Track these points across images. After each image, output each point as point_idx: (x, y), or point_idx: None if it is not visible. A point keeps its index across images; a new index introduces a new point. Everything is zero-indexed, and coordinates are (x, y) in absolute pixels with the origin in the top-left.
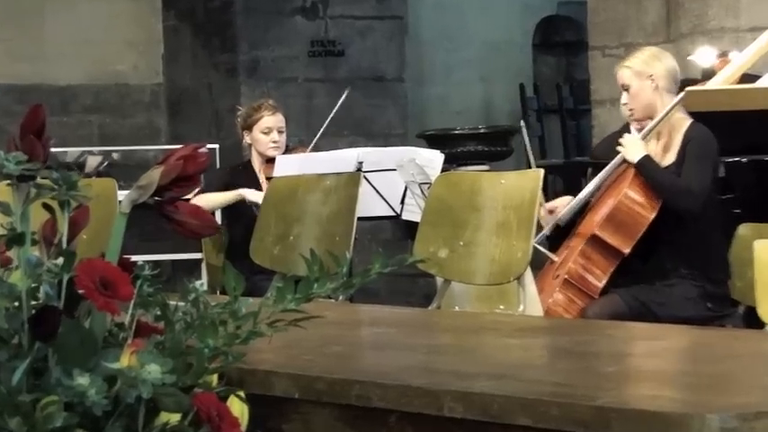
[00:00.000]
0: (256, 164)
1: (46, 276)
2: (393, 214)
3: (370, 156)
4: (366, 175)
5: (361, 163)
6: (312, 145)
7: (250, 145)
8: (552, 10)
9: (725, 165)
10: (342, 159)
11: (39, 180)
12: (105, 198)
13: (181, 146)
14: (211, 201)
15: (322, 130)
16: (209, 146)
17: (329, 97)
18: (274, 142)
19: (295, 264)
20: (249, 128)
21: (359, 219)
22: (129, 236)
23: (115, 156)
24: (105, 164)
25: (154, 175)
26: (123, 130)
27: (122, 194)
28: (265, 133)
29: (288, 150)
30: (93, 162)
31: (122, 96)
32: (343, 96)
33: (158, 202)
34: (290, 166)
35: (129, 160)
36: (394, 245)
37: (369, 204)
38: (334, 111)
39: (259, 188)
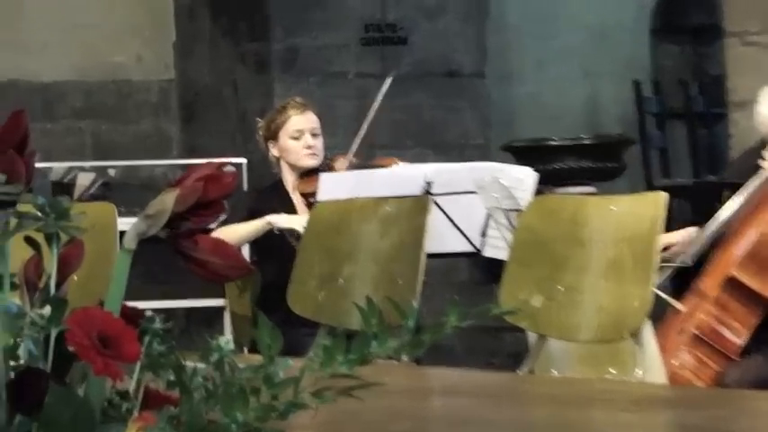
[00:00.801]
0: (288, 181)
1: (29, 330)
2: (472, 250)
3: (442, 174)
4: (437, 199)
5: (429, 183)
6: (353, 151)
7: (278, 159)
8: None
9: None
10: (405, 178)
11: (20, 207)
12: (102, 228)
13: (199, 162)
14: (234, 234)
15: (363, 132)
16: (235, 160)
17: (388, 98)
18: (308, 147)
19: (346, 314)
20: (274, 136)
21: (428, 256)
22: (134, 277)
23: (113, 173)
24: (99, 183)
25: (167, 201)
26: (123, 140)
27: (123, 223)
28: (295, 138)
29: (327, 163)
30: (83, 181)
31: (122, 96)
32: (386, 85)
33: (172, 235)
34: (338, 186)
35: (132, 179)
36: (473, 290)
37: (440, 237)
38: (376, 106)
39: (293, 211)
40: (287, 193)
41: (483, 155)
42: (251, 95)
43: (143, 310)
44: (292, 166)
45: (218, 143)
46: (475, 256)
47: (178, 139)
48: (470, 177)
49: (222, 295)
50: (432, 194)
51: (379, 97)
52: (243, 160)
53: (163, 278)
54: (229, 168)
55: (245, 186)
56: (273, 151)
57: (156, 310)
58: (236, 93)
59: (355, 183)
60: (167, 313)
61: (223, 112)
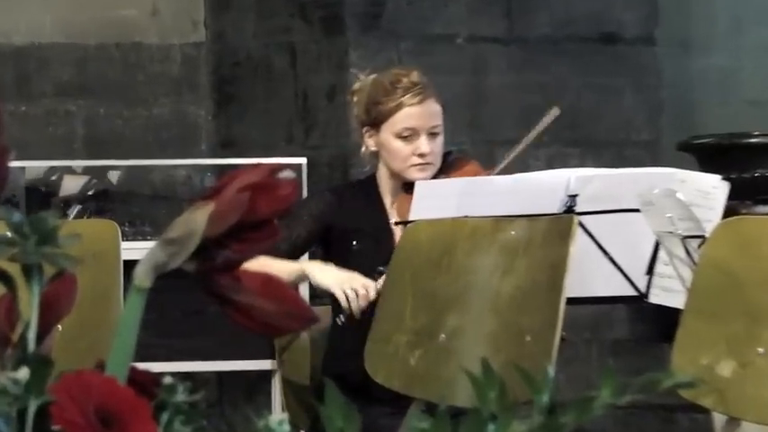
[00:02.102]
0: (385, 189)
1: None
2: (633, 294)
3: (592, 183)
4: (583, 219)
5: (573, 197)
6: (504, 165)
7: (375, 153)
8: None
9: None
10: (539, 188)
11: None
12: (100, 257)
13: (240, 162)
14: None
15: (514, 154)
16: (291, 161)
17: (514, 71)
18: (422, 156)
19: (450, 385)
20: (376, 123)
21: (568, 302)
22: (148, 327)
23: (114, 176)
24: (94, 191)
25: (196, 221)
26: (130, 130)
27: (129, 249)
28: (405, 138)
29: (445, 168)
30: (71, 186)
31: (129, 67)
32: (550, 117)
33: (204, 268)
34: (440, 199)
35: (141, 186)
36: (633, 351)
37: (587, 275)
38: (532, 137)
39: (383, 229)
40: (380, 202)
41: (651, 156)
42: (314, 67)
43: (160, 375)
44: (395, 175)
45: (267, 135)
46: (637, 303)
47: (209, 128)
48: (633, 189)
49: (271, 355)
50: (577, 212)
51: (539, 128)
52: (302, 160)
53: (188, 329)
54: (287, 174)
55: (305, 192)
56: (369, 142)
57: (178, 375)
58: (294, 64)
59: (463, 193)
60: (194, 379)
61: (274, 90)
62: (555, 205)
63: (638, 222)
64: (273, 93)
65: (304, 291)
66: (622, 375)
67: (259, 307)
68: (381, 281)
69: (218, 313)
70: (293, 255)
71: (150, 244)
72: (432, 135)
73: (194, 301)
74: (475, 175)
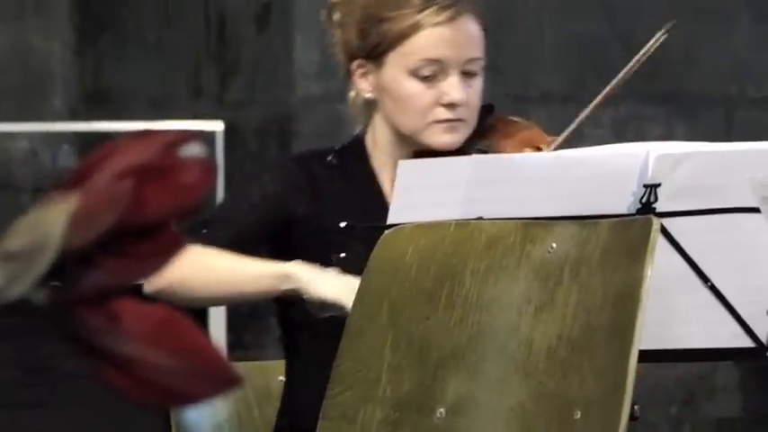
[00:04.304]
0: (382, 162)
1: None
2: (747, 344)
3: (683, 165)
4: (668, 223)
5: (653, 188)
6: (574, 127)
7: (370, 103)
8: None
9: None
10: (598, 174)
11: None
12: None
13: (121, 127)
14: (211, 272)
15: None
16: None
17: None
18: (450, 108)
19: None
20: (378, 53)
21: (643, 356)
22: None
23: None
24: None
25: (48, 224)
26: None
27: None
28: (425, 78)
29: (482, 133)
30: None
31: None
32: (658, 38)
33: (62, 298)
34: (433, 190)
35: None
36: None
37: (673, 313)
38: (631, 69)
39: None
40: (374, 182)
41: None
42: None
43: None
44: (400, 137)
45: (161, 84)
46: (754, 360)
47: (66, 72)
48: (746, 175)
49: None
50: (658, 213)
51: (647, 51)
52: (218, 125)
53: (33, 394)
54: (194, 148)
55: (221, 188)
56: (363, 85)
57: None
58: None
59: (474, 183)
60: None
61: (171, 11)
62: (623, 201)
63: (757, 229)
64: (171, 14)
65: (218, 327)
66: None
67: (149, 361)
68: None
69: (82, 371)
70: (235, 248)
71: None
72: (467, 75)
73: (43, 350)
74: (532, 144)
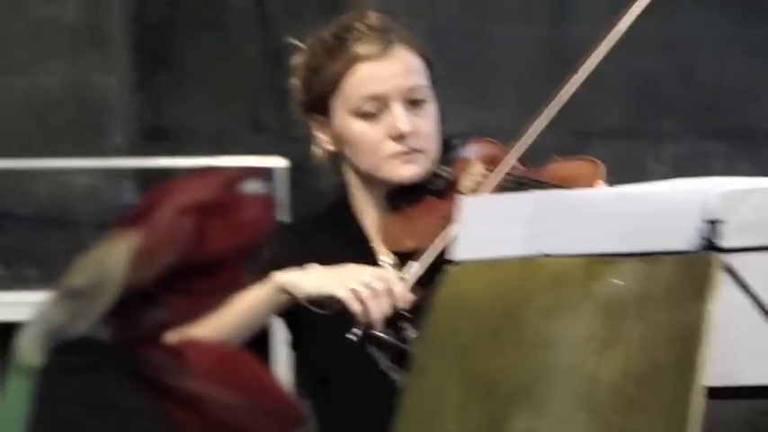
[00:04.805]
0: (364, 210)
1: None
2: None
3: (747, 201)
4: (733, 260)
5: (716, 224)
6: (523, 142)
7: (335, 156)
8: None
9: None
10: (661, 209)
11: None
12: None
13: (181, 163)
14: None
15: (563, 97)
16: (262, 161)
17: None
18: (400, 139)
19: None
20: (322, 103)
21: (710, 394)
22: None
23: None
24: None
25: (111, 261)
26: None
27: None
28: (369, 115)
29: (449, 161)
30: None
31: None
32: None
33: (125, 336)
34: (496, 226)
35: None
36: None
37: (738, 350)
38: (606, 46)
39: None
40: (359, 232)
41: None
42: (295, 8)
43: None
44: (369, 181)
45: (221, 119)
46: None
47: (126, 108)
48: None
49: None
50: (722, 249)
51: (621, 26)
52: (281, 161)
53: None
54: (255, 185)
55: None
56: (322, 138)
57: None
58: (260, 1)
59: (537, 219)
60: None
61: (230, 46)
62: (686, 237)
63: None
64: (230, 50)
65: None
66: None
67: (214, 399)
68: (413, 272)
69: (147, 407)
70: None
71: (37, 297)
72: (413, 104)
73: (107, 387)
74: (492, 159)
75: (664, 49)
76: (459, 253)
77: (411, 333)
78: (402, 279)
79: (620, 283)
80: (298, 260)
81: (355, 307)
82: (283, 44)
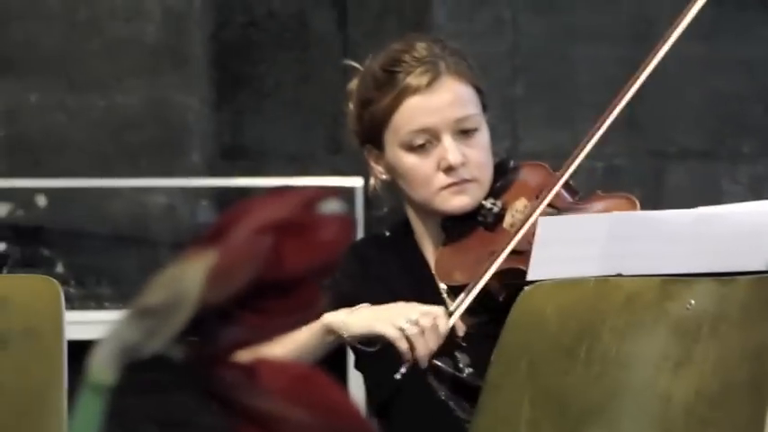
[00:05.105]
0: (424, 237)
1: None
2: None
3: None
4: None
5: None
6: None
7: (390, 184)
8: None
9: None
10: (736, 231)
11: None
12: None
13: (259, 183)
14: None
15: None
16: (340, 182)
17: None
18: (450, 171)
19: None
20: (375, 136)
21: None
22: None
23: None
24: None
25: (187, 279)
26: (75, 130)
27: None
28: (419, 148)
29: (503, 187)
30: None
31: (75, 27)
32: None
33: (200, 354)
34: (572, 246)
35: (93, 220)
36: None
37: None
38: (663, 50)
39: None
40: (420, 258)
41: None
42: (376, 29)
43: None
44: (424, 211)
45: (299, 140)
46: None
47: (204, 128)
48: None
49: None
50: None
51: (659, 52)
52: (357, 181)
53: None
54: (333, 205)
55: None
56: (377, 169)
57: None
58: (343, 22)
59: (613, 239)
60: None
61: (310, 66)
62: (762, 258)
63: None
64: (309, 70)
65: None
66: None
67: (287, 418)
68: (457, 303)
69: (219, 426)
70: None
71: (112, 315)
72: (464, 134)
73: (180, 406)
74: (542, 186)
75: (745, 71)
76: (535, 272)
77: (464, 362)
78: (449, 313)
79: (694, 302)
80: (357, 283)
81: (402, 345)
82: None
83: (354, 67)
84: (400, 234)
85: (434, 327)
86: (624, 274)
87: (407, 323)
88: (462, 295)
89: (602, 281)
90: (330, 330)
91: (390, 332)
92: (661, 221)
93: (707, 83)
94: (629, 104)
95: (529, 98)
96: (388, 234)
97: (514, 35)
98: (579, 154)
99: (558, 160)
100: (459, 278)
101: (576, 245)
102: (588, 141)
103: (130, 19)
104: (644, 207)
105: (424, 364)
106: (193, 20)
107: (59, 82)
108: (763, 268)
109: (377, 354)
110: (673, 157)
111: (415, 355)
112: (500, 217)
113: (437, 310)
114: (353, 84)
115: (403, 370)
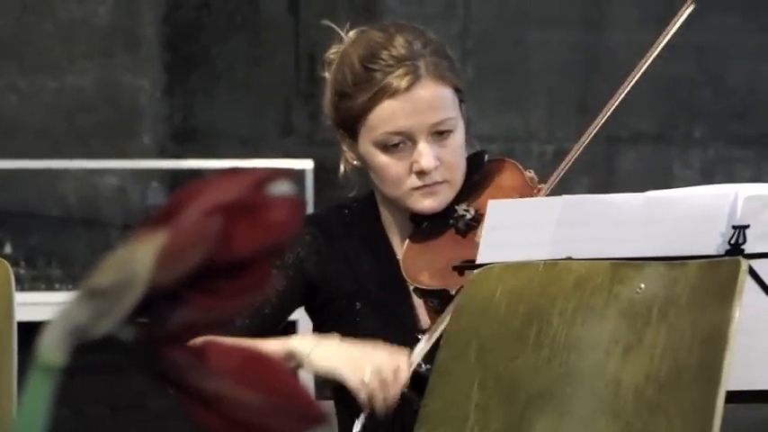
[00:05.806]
0: (389, 220)
1: None
2: None
3: None
4: (757, 265)
5: (742, 229)
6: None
7: (360, 169)
8: None
9: None
10: (687, 215)
11: None
12: None
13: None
14: None
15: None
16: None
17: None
18: (422, 175)
19: None
20: (349, 128)
21: (730, 398)
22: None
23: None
24: None
25: (136, 260)
26: (27, 112)
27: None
28: (392, 148)
29: (473, 184)
30: None
31: (26, 9)
32: (683, 14)
33: (150, 336)
34: (521, 229)
35: (43, 203)
36: None
37: (763, 354)
38: (650, 58)
39: (399, 299)
40: (385, 240)
41: None
42: (328, 10)
43: None
44: (390, 203)
45: (250, 122)
46: None
47: (155, 110)
48: None
49: None
50: (746, 255)
51: (672, 26)
52: (307, 163)
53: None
54: (283, 186)
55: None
56: (348, 154)
57: None
58: (295, 3)
59: (563, 223)
60: None
61: (261, 48)
62: (712, 242)
63: None
64: (261, 53)
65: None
66: None
67: (236, 399)
68: (418, 351)
69: (170, 408)
70: (260, 333)
71: (62, 296)
72: (439, 135)
73: (131, 387)
74: (517, 192)
75: (695, 56)
76: (485, 256)
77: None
78: (411, 362)
79: (644, 286)
80: (322, 261)
81: (362, 397)
82: (316, 48)
83: (330, 27)
84: (367, 215)
85: (396, 380)
86: (574, 257)
87: (370, 374)
88: (423, 343)
89: (552, 264)
90: (293, 357)
91: (353, 383)
92: (612, 205)
93: (658, 68)
94: (581, 89)
95: (480, 81)
96: (353, 209)
97: (465, 19)
98: (564, 167)
99: (510, 144)
100: (427, 282)
101: (527, 228)
102: (576, 151)
103: (82, 1)
104: (596, 191)
105: (381, 414)
106: (145, 2)
107: (11, 64)
108: (712, 252)
109: (336, 388)
110: (625, 141)
111: (373, 405)
112: (472, 227)
113: (401, 358)
114: (331, 56)
115: (362, 418)
